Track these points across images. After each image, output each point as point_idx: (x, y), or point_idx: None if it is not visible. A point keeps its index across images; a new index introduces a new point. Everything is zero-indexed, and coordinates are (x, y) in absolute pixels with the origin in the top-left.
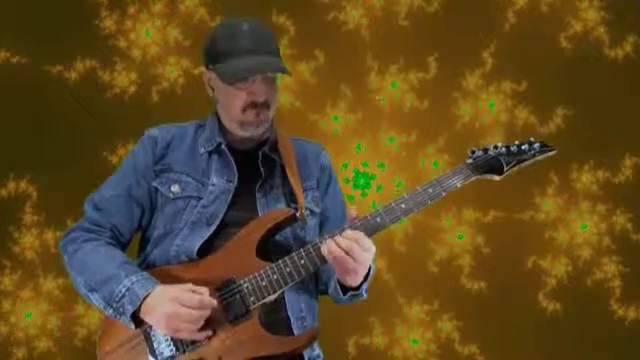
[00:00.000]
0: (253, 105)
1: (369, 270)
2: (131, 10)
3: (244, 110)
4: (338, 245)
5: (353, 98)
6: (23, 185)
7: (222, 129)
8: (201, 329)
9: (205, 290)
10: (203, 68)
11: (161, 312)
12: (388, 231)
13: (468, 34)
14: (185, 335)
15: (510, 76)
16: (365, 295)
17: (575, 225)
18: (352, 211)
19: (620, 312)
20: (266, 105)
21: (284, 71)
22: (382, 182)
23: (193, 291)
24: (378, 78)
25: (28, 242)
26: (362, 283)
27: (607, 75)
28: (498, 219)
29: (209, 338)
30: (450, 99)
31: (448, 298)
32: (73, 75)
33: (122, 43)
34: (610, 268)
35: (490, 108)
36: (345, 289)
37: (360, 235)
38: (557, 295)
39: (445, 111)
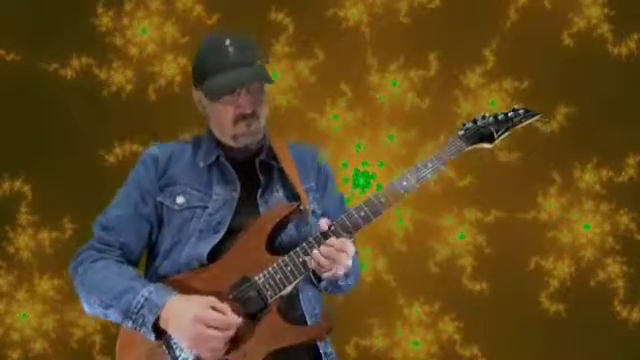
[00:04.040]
0: (242, 117)
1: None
2: (128, 7)
3: (235, 123)
4: (323, 255)
5: (353, 96)
6: (18, 184)
7: (218, 143)
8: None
9: (226, 307)
10: (193, 89)
11: (185, 332)
12: (389, 231)
13: (469, 32)
14: (208, 356)
15: (512, 74)
16: (347, 282)
17: (578, 225)
18: (323, 223)
19: (624, 313)
20: (255, 115)
21: (265, 80)
22: (382, 181)
23: (215, 308)
24: (378, 76)
25: (23, 242)
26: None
27: (610, 73)
28: (500, 219)
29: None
30: (451, 97)
31: (449, 299)
32: (69, 73)
33: (118, 40)
34: (614, 269)
35: (491, 106)
36: (319, 278)
37: (346, 243)
38: (560, 296)
39: (446, 109)
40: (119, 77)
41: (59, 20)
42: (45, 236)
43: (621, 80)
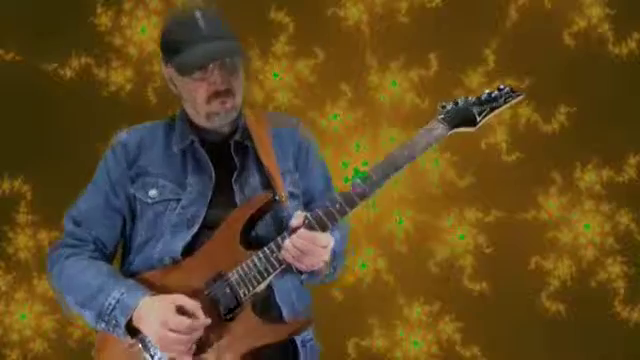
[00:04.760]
0: (216, 94)
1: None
2: (127, 6)
3: (208, 101)
4: (294, 246)
5: (353, 96)
6: (17, 184)
7: (192, 125)
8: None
9: (196, 306)
10: (162, 65)
11: (151, 333)
12: (389, 231)
13: (470, 31)
14: (176, 357)
15: (513, 74)
16: (334, 273)
17: (578, 225)
18: (300, 217)
19: (624, 314)
20: (230, 93)
21: (239, 55)
22: None
23: (181, 309)
24: (378, 75)
25: (22, 242)
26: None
27: (611, 72)
28: (500, 219)
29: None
30: (451, 97)
31: (449, 299)
32: (68, 72)
33: (118, 40)
34: (614, 269)
35: None
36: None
37: (316, 235)
38: (560, 296)
39: None
40: (118, 77)
41: (58, 20)
42: (44, 236)
43: (622, 80)
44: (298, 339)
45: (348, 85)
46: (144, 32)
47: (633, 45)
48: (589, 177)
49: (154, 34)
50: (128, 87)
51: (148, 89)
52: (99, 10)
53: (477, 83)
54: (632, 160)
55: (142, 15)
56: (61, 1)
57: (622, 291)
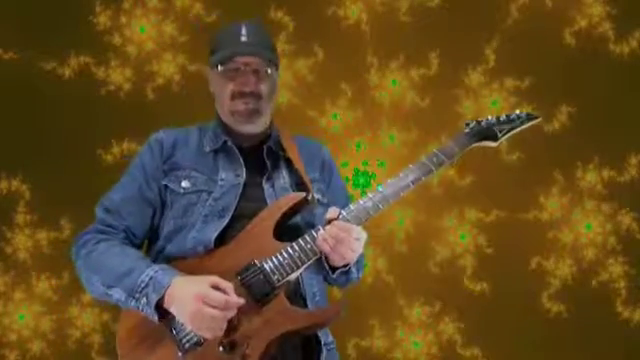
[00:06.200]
0: (241, 94)
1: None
2: (126, 6)
3: (232, 98)
4: (330, 235)
5: (353, 95)
6: (16, 184)
7: (225, 128)
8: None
9: (230, 286)
10: (207, 68)
11: (186, 310)
12: (389, 232)
13: (470, 30)
14: (208, 335)
15: (513, 73)
16: (357, 274)
17: (580, 225)
18: (334, 211)
19: (625, 314)
20: (255, 96)
21: (264, 59)
22: (382, 181)
23: (218, 287)
24: (378, 75)
25: (21, 242)
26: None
27: (612, 72)
28: (501, 219)
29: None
30: (452, 96)
31: (450, 299)
32: (67, 72)
33: (117, 39)
34: (615, 269)
35: (492, 106)
36: (333, 268)
37: (351, 225)
38: (561, 296)
39: (447, 108)
40: (117, 76)
41: (57, 19)
42: (42, 236)
43: (623, 79)
44: (322, 339)
45: (348, 84)
46: (143, 31)
47: (634, 44)
48: (590, 177)
49: (153, 33)
50: (127, 86)
51: (147, 88)
52: (98, 9)
53: (477, 82)
54: (633, 160)
55: (141, 14)
56: (60, 0)
57: (623, 291)
